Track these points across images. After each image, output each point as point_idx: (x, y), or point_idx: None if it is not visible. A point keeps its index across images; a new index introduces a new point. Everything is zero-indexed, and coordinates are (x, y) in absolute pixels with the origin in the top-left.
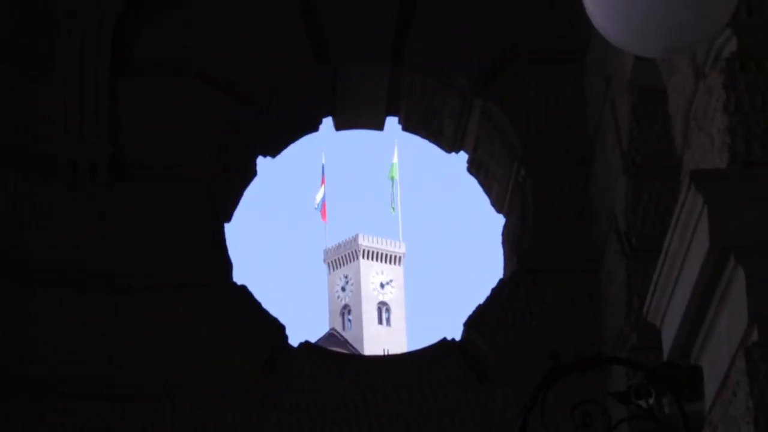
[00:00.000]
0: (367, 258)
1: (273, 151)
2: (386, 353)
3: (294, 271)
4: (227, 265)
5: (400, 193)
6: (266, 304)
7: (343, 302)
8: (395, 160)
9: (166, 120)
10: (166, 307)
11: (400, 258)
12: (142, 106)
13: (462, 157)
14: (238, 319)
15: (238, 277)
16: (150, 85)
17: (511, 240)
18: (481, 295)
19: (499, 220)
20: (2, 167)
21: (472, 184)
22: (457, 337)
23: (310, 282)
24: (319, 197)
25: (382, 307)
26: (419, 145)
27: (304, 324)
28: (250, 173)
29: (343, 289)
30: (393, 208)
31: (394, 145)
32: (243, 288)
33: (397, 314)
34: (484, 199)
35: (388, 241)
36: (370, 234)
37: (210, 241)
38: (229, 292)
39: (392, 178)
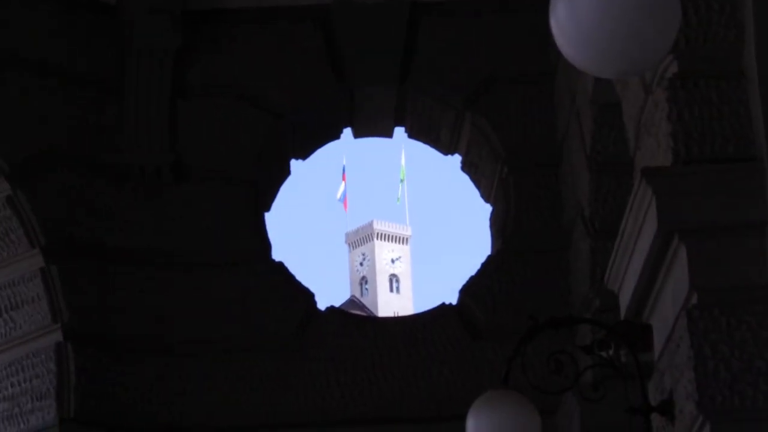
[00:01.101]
0: (381, 239)
1: (303, 154)
2: (396, 315)
3: (321, 251)
4: (267, 246)
5: (408, 186)
6: (299, 277)
7: (361, 275)
8: (403, 162)
9: (216, 132)
10: (217, 280)
11: (407, 239)
12: (196, 122)
13: (457, 158)
14: (276, 289)
15: (277, 255)
16: (202, 105)
17: (497, 224)
18: (473, 268)
19: (487, 208)
20: (84, 173)
21: (466, 180)
22: (454, 302)
23: (335, 259)
24: (340, 191)
25: (393, 279)
26: (422, 148)
27: (329, 293)
28: (285, 173)
29: (361, 264)
30: (398, 200)
31: (402, 150)
32: (280, 264)
33: (405, 284)
34: (475, 192)
35: (398, 225)
36: (383, 219)
37: (253, 226)
38: (268, 268)
39: (402, 179)
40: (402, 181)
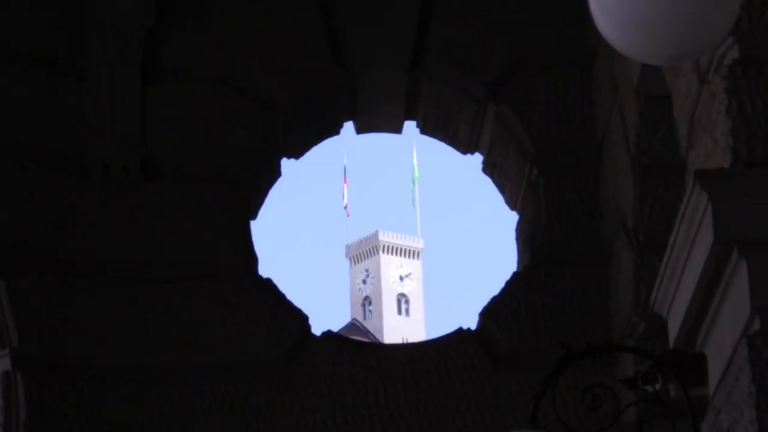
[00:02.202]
0: (387, 253)
1: (296, 153)
2: (405, 342)
3: (317, 265)
4: (253, 259)
5: (419, 191)
6: (291, 296)
7: (364, 294)
8: (415, 162)
9: (195, 124)
10: (195, 298)
11: (418, 252)
12: (171, 112)
13: (477, 158)
14: (263, 310)
15: (264, 270)
16: (178, 92)
17: (524, 235)
18: (495, 287)
19: (513, 216)
20: (37, 171)
21: (487, 183)
22: (473, 327)
23: (333, 275)
24: (345, 197)
25: (402, 299)
26: (436, 146)
27: (326, 315)
28: (275, 174)
29: (364, 281)
30: (414, 206)
31: (413, 148)
32: (268, 281)
33: (416, 305)
34: (499, 197)
35: (407, 236)
36: (390, 230)
37: (236, 236)
38: (254, 285)
39: (414, 182)
40: (414, 184)
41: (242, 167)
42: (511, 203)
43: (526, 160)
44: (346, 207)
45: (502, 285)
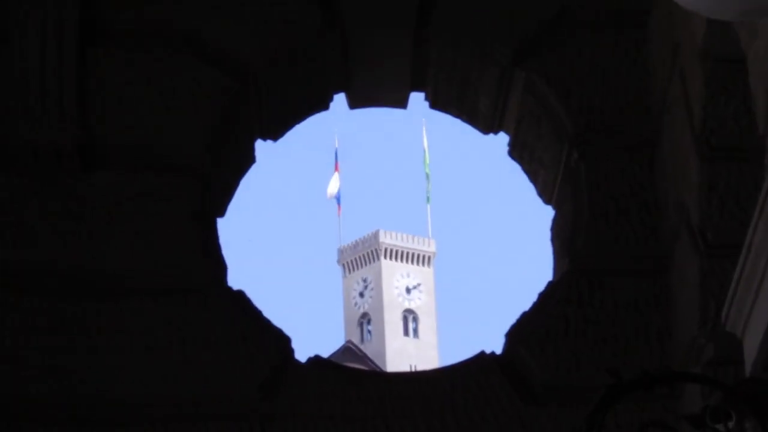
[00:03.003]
0: (390, 258)
1: (274, 133)
2: (414, 370)
3: (302, 274)
4: (220, 267)
5: (431, 180)
6: (269, 313)
7: (362, 310)
8: (425, 144)
9: (148, 99)
10: (149, 316)
11: (429, 258)
12: (117, 83)
13: (502, 139)
14: (234, 331)
15: (235, 281)
16: (127, 58)
17: (561, 236)
18: (526, 301)
19: (548, 212)
20: None
21: (515, 171)
22: (498, 351)
23: (322, 287)
24: (333, 187)
25: (409, 316)
26: (451, 124)
27: (314, 336)
28: (248, 160)
29: (361, 294)
30: (428, 199)
31: (422, 126)
32: (240, 294)
33: (427, 324)
34: (529, 188)
35: (415, 238)
36: (394, 230)
37: (200, 239)
38: (223, 299)
39: (426, 168)
40: (425, 172)
41: (206, 152)
42: (545, 195)
43: (564, 141)
44: (337, 201)
45: (533, 298)
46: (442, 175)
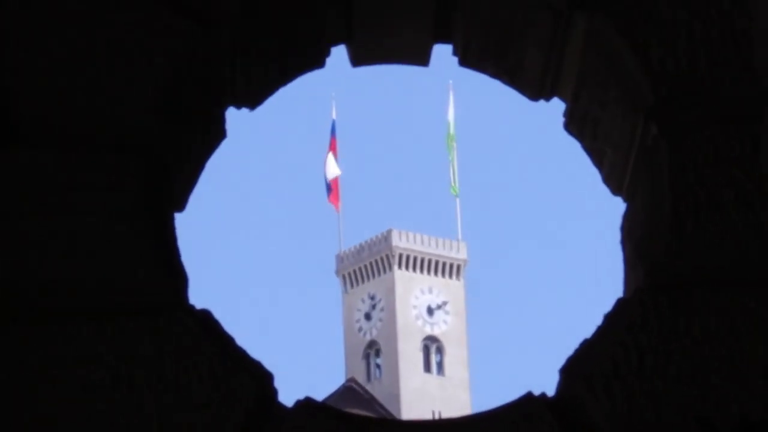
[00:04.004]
0: (407, 267)
1: (252, 99)
2: (437, 417)
3: (288, 289)
4: (180, 280)
5: (457, 165)
6: (244, 341)
7: (368, 337)
8: (451, 115)
9: (80, 54)
10: (83, 346)
11: (458, 267)
12: (37, 29)
13: (556, 107)
14: (198, 365)
15: (199, 297)
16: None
17: (635, 238)
18: (586, 326)
19: (617, 205)
20: None
21: (572, 151)
22: (550, 391)
23: (315, 305)
24: (329, 172)
25: (431, 346)
26: (487, 88)
27: (305, 372)
28: (216, 135)
29: (367, 316)
30: (454, 189)
31: (449, 91)
32: (205, 315)
33: (455, 356)
34: (592, 174)
35: (440, 240)
36: (411, 230)
37: (151, 241)
38: (182, 322)
39: (450, 144)
40: (450, 152)
41: (161, 126)
42: (614, 183)
43: (640, 111)
44: (332, 190)
45: (597, 321)
46: (473, 158)
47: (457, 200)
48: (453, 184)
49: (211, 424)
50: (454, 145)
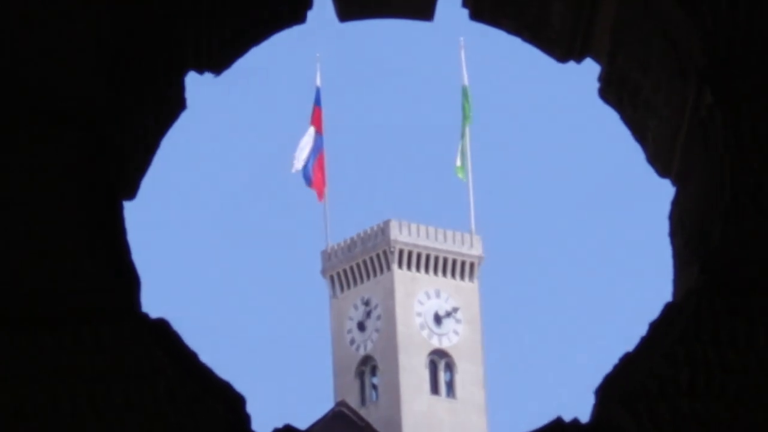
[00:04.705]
0: (409, 266)
1: (216, 63)
2: None
3: (265, 293)
4: (130, 283)
5: (470, 142)
6: (210, 356)
7: (362, 352)
8: (466, 79)
9: (12, 10)
10: (14, 359)
11: (472, 266)
12: None
13: (587, 71)
14: (151, 385)
15: (153, 304)
16: None
17: (687, 229)
18: (626, 336)
19: (664, 190)
20: None
21: (609, 123)
22: (584, 416)
23: (298, 313)
24: (304, 151)
25: (439, 362)
26: (504, 47)
27: (286, 393)
28: (174, 106)
29: (361, 326)
30: (461, 170)
31: (459, 50)
32: (161, 325)
33: (468, 373)
34: (634, 151)
35: (449, 233)
36: (413, 220)
37: (94, 235)
38: (133, 334)
39: (467, 114)
40: (465, 123)
41: (108, 95)
42: (660, 163)
43: (691, 75)
44: (315, 174)
45: (640, 331)
46: (488, 134)
47: (470, 185)
48: (458, 164)
49: None
50: (469, 114)
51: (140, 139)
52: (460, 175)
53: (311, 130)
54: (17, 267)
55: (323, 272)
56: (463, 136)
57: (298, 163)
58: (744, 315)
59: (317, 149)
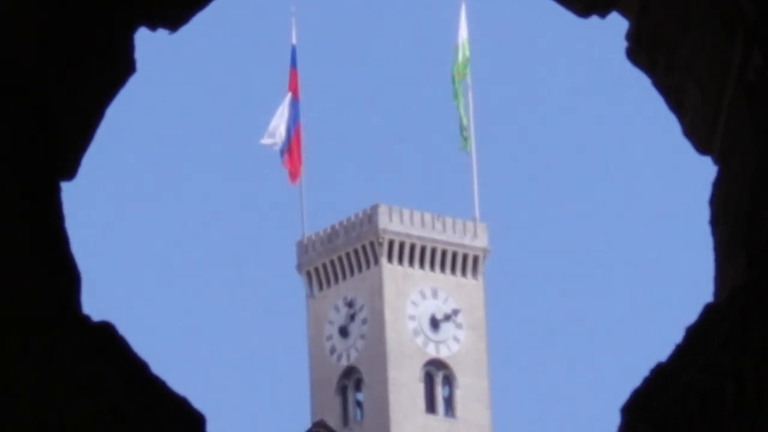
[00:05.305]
0: (400, 260)
1: (172, 17)
2: None
3: (230, 292)
4: (68, 279)
5: (473, 114)
6: (163, 366)
7: (345, 362)
8: (463, 34)
9: None
10: None
11: (476, 260)
12: None
13: (615, 26)
14: (93, 398)
15: (95, 306)
16: None
17: (733, 216)
18: (660, 344)
19: (706, 169)
20: None
21: (639, 89)
22: None
23: (269, 315)
24: (281, 122)
25: (436, 374)
26: (507, 4)
27: (256, 410)
28: (120, 69)
29: (343, 331)
30: (465, 140)
31: (459, 3)
32: (105, 329)
33: (471, 389)
34: (669, 123)
35: (449, 221)
36: (405, 205)
37: (28, 223)
38: (72, 339)
39: (459, 77)
40: (457, 98)
41: (38, 58)
42: (700, 136)
43: (737, 33)
44: (291, 152)
45: (675, 337)
46: (494, 105)
47: (474, 164)
48: (463, 134)
49: None
50: (468, 77)
51: (80, 110)
52: (464, 146)
53: (289, 97)
54: None
55: (299, 267)
56: (457, 103)
57: (272, 137)
58: None
59: (295, 120)
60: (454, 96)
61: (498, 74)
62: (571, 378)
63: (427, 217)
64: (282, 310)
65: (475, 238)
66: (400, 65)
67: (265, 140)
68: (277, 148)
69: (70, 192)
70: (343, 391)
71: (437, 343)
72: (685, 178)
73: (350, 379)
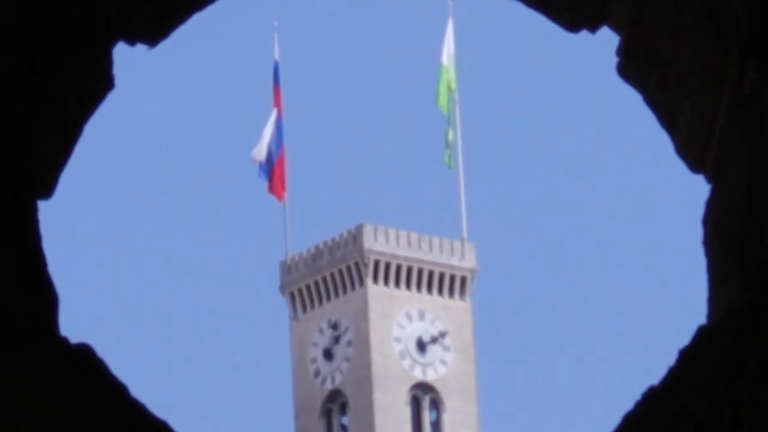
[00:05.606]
0: (386, 281)
1: (151, 32)
2: None
3: (212, 314)
4: (46, 299)
5: (460, 124)
6: (142, 390)
7: (330, 385)
8: (449, 46)
9: None
10: None
11: (464, 281)
12: None
13: (603, 42)
14: (70, 422)
15: (74, 326)
16: None
17: (728, 236)
18: (653, 367)
19: (698, 188)
20: None
21: (629, 106)
22: None
23: (252, 338)
24: (264, 142)
25: (423, 397)
26: (497, 14)
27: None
28: (98, 85)
29: (328, 354)
30: (448, 159)
31: (447, 15)
32: (83, 351)
33: (459, 413)
34: (660, 140)
35: (436, 241)
36: (391, 225)
37: (1, 243)
38: (49, 360)
39: (444, 90)
40: (446, 108)
41: (13, 73)
42: (693, 153)
43: (732, 46)
44: (275, 169)
45: (668, 360)
46: (482, 122)
47: (461, 182)
48: (446, 151)
49: None
50: (455, 92)
51: (58, 127)
52: (447, 162)
53: (275, 114)
54: None
55: (282, 288)
56: (447, 116)
57: (260, 154)
58: None
59: (279, 138)
60: (446, 114)
61: (486, 91)
62: (563, 401)
63: (414, 236)
64: (265, 331)
65: (462, 258)
66: (386, 81)
67: (255, 155)
68: (260, 165)
69: (47, 211)
70: (327, 415)
71: (424, 366)
72: (678, 198)
73: (335, 402)
